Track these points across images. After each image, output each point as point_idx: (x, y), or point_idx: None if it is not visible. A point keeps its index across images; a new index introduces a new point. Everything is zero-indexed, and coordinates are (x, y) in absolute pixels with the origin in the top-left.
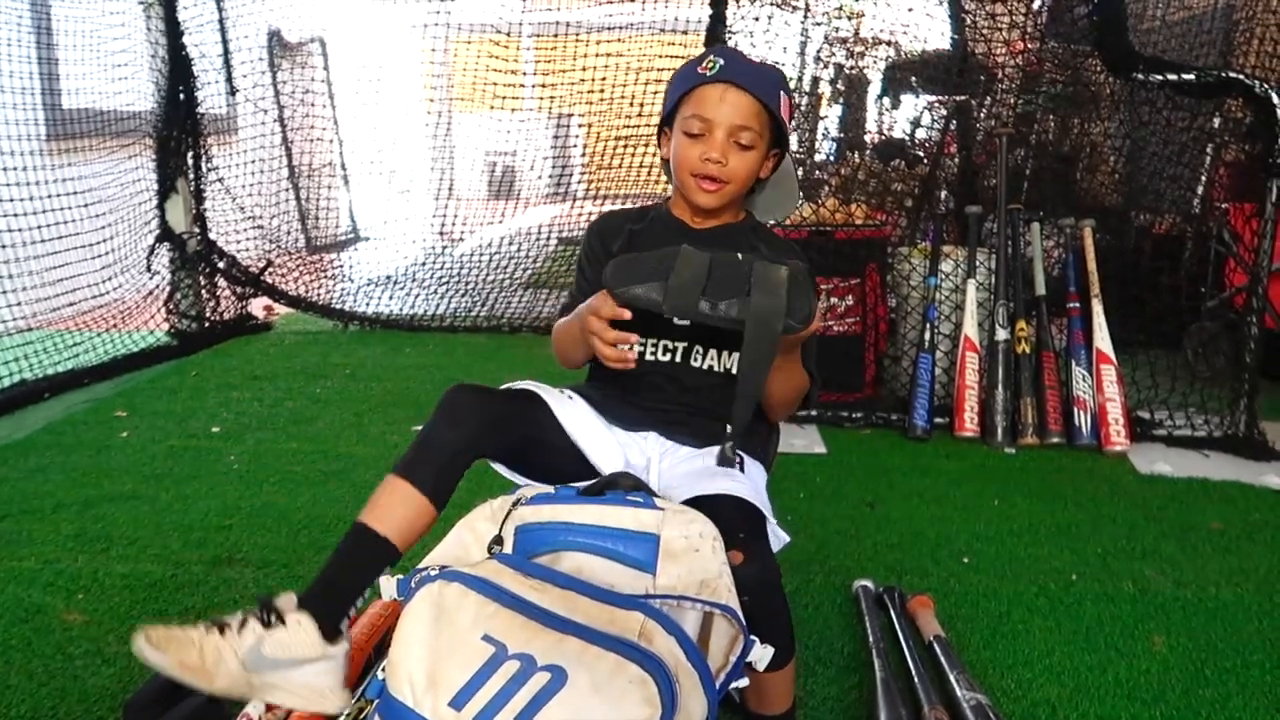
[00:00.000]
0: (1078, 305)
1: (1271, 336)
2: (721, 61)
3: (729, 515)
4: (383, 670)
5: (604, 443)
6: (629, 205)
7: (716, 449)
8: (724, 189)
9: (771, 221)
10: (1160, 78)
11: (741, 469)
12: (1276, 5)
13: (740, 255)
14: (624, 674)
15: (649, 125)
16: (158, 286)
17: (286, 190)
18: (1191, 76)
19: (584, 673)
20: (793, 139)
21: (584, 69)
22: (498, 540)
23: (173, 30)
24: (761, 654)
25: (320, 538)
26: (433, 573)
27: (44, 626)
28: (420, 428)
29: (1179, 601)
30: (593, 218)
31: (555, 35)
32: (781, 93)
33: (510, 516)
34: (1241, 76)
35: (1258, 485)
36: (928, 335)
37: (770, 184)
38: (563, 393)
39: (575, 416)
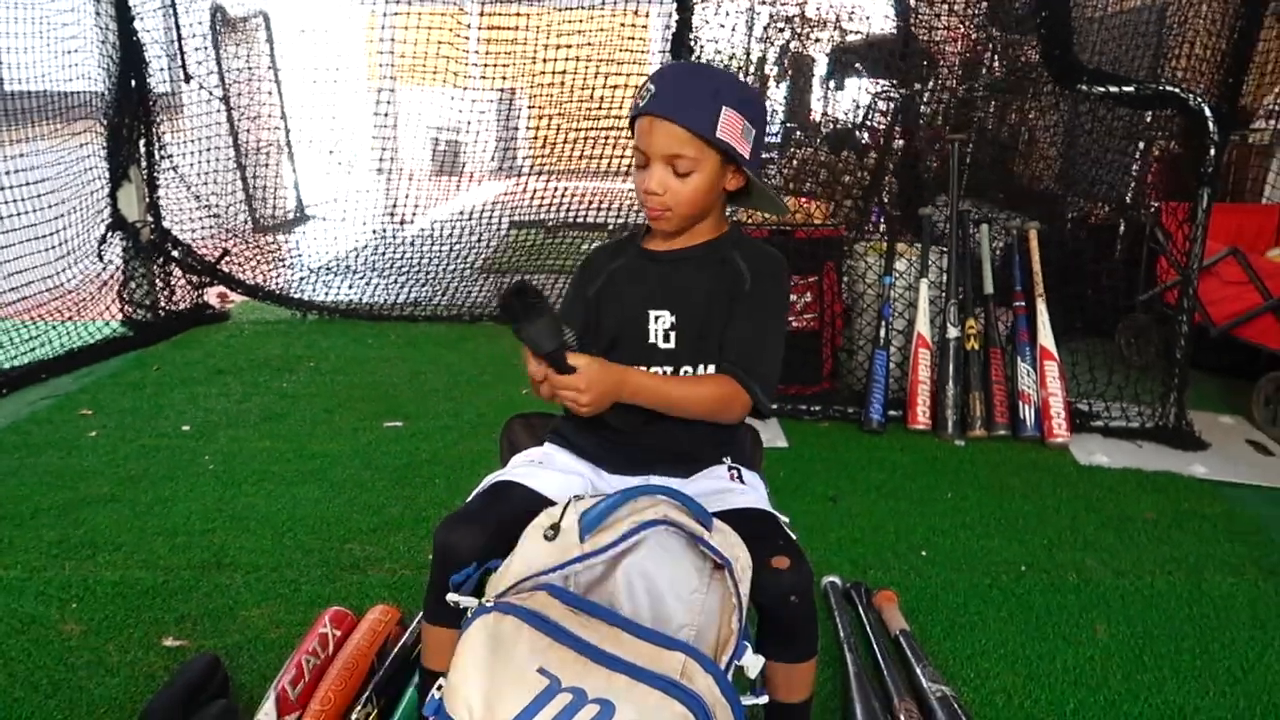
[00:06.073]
0: (1023, 304)
1: (1199, 330)
2: (653, 89)
3: (762, 527)
4: (438, 690)
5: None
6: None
7: (711, 468)
8: (669, 215)
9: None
10: (1103, 89)
11: (741, 480)
12: (1206, 11)
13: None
14: (668, 709)
15: (594, 104)
16: (111, 276)
17: (233, 170)
18: (1131, 89)
19: (631, 707)
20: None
21: (530, 44)
22: (554, 528)
23: (123, 15)
24: (753, 661)
25: (305, 540)
26: (488, 604)
27: (41, 638)
28: (392, 432)
29: (1118, 590)
30: (539, 194)
31: (502, 8)
32: (725, 108)
33: (569, 509)
34: (1177, 90)
35: (1186, 475)
36: (883, 332)
37: (753, 193)
38: (535, 461)
39: (555, 485)
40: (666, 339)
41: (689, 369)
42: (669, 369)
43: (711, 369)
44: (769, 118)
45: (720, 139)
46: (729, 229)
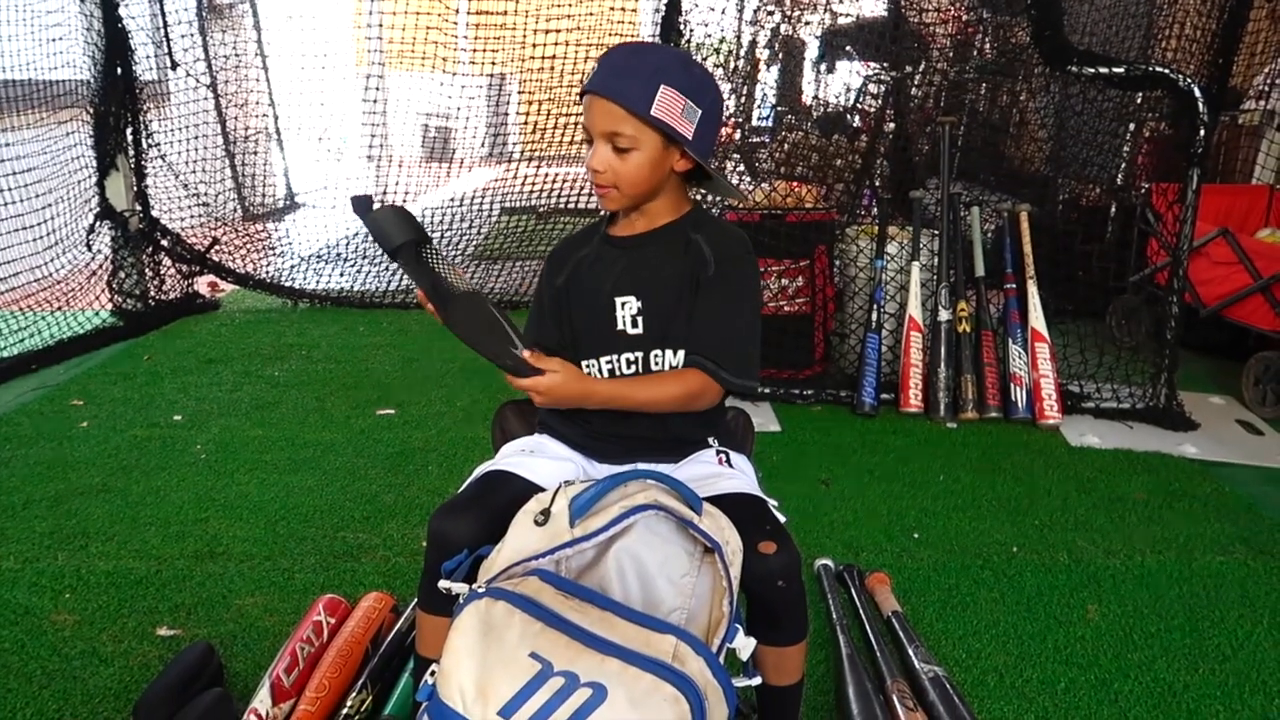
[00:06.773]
0: (1014, 286)
1: (1189, 310)
2: (597, 67)
3: (750, 512)
4: (431, 675)
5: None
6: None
7: (699, 453)
8: (613, 194)
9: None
10: (1093, 71)
11: (730, 464)
12: None
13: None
14: (659, 692)
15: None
16: (100, 266)
17: (222, 158)
18: (1122, 70)
19: (622, 690)
20: (729, 103)
21: (519, 29)
22: (544, 513)
23: (108, 1)
24: (745, 644)
25: (299, 529)
26: (480, 589)
27: (35, 628)
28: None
29: (1109, 570)
30: (530, 180)
31: None
32: (664, 87)
33: (559, 495)
34: (1167, 71)
35: (1176, 455)
36: (874, 315)
37: (711, 176)
38: (527, 450)
39: (546, 473)
40: (634, 324)
41: (657, 353)
42: (637, 354)
43: (680, 355)
44: (759, 102)
45: (655, 117)
46: (691, 210)
